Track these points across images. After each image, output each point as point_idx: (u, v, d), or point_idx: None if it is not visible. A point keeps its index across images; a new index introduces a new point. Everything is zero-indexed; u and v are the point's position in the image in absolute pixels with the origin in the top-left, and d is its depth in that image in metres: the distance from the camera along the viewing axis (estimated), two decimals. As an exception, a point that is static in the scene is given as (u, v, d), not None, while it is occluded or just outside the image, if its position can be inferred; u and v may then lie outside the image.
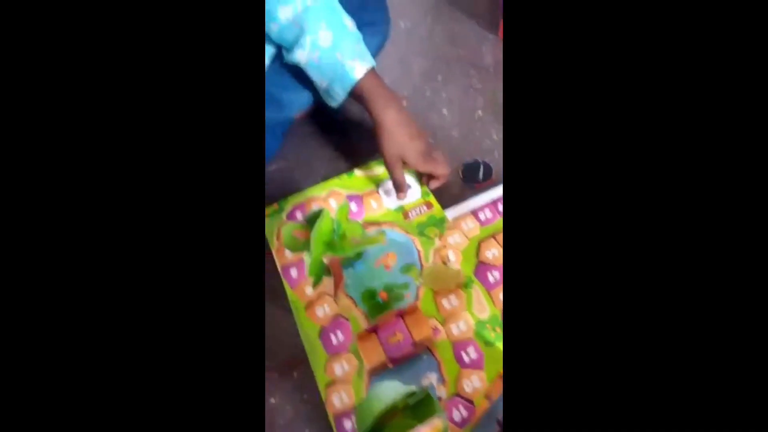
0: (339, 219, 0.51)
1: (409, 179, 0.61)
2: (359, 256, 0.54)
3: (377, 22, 0.69)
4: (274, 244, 0.57)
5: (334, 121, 0.74)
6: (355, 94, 0.57)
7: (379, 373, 0.46)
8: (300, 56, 0.54)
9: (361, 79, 0.55)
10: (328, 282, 0.53)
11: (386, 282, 0.52)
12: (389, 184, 0.60)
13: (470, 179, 0.65)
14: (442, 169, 0.59)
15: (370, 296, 0.51)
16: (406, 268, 0.54)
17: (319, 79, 0.57)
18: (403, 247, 0.56)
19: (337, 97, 0.58)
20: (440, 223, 0.58)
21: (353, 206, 0.60)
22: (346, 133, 0.74)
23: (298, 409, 0.48)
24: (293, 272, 0.54)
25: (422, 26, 0.93)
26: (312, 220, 0.48)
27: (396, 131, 0.56)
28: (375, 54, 0.64)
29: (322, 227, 0.48)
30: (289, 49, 0.55)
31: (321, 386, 0.46)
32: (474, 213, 0.59)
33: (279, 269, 0.55)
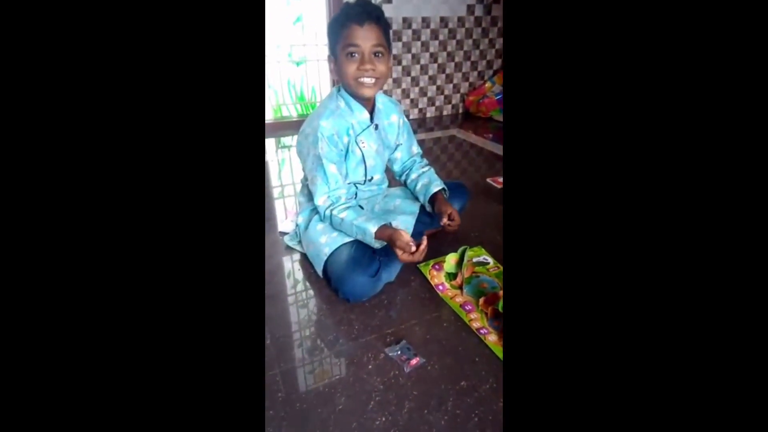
0: (467, 255, 1.12)
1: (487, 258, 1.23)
2: (470, 280, 1.13)
3: (461, 196, 1.34)
4: (429, 277, 1.16)
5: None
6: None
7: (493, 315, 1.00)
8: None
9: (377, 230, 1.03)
10: (455, 289, 1.10)
11: (483, 290, 1.09)
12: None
13: None
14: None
15: (477, 294, 1.08)
16: (492, 287, 1.11)
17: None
18: (489, 281, 1.14)
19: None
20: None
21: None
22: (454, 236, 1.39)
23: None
24: (441, 287, 1.12)
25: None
26: (462, 252, 1.09)
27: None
28: (461, 210, 1.31)
29: (464, 253, 1.09)
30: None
31: (467, 321, 1.00)
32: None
33: (434, 287, 1.12)
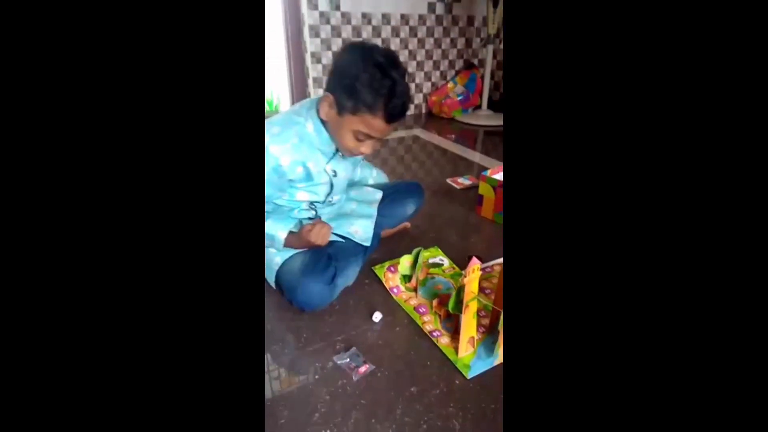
0: (421, 256, 1.11)
1: (444, 258, 1.23)
2: (425, 282, 1.12)
3: (417, 196, 1.33)
4: (384, 279, 1.14)
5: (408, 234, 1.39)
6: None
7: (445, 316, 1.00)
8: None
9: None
10: (409, 292, 1.09)
11: (437, 292, 1.09)
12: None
13: None
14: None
15: (431, 295, 1.07)
16: (447, 288, 1.11)
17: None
18: (444, 282, 1.14)
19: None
20: (458, 275, 1.17)
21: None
22: (413, 237, 1.38)
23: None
24: (395, 290, 1.11)
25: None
26: (416, 254, 1.08)
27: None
28: (417, 209, 1.31)
29: (418, 255, 1.08)
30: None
31: (420, 323, 0.99)
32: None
33: (388, 290, 1.11)
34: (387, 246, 1.29)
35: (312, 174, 0.99)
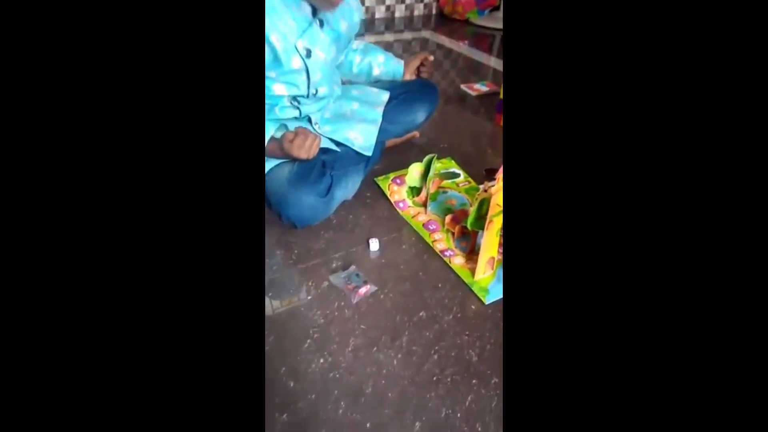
0: (433, 167, 0.94)
1: (457, 170, 1.06)
2: (436, 197, 0.97)
3: (430, 100, 1.11)
4: (388, 192, 0.99)
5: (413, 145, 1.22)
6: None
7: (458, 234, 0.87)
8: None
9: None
10: (417, 207, 0.95)
11: (451, 207, 0.95)
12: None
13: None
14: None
15: (443, 212, 0.93)
16: (461, 204, 0.96)
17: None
18: (459, 197, 0.99)
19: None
20: (475, 189, 1.02)
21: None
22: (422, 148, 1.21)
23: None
24: (401, 204, 0.96)
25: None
26: (428, 162, 0.92)
27: None
28: (429, 116, 1.11)
29: (430, 164, 0.91)
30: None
31: (429, 242, 0.86)
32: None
33: (393, 204, 0.97)
34: (391, 157, 1.12)
35: (278, 53, 0.79)
